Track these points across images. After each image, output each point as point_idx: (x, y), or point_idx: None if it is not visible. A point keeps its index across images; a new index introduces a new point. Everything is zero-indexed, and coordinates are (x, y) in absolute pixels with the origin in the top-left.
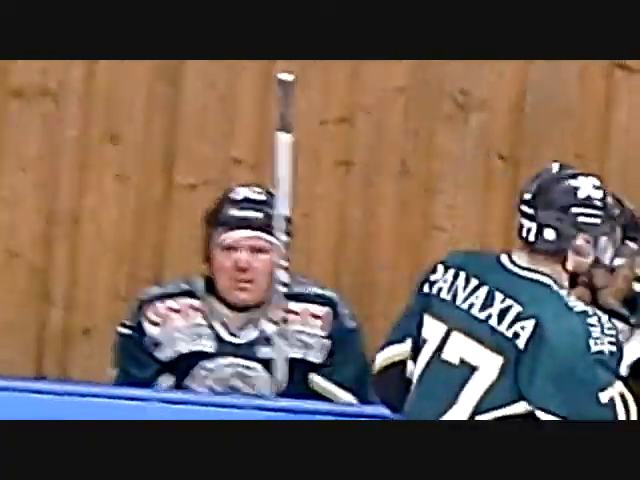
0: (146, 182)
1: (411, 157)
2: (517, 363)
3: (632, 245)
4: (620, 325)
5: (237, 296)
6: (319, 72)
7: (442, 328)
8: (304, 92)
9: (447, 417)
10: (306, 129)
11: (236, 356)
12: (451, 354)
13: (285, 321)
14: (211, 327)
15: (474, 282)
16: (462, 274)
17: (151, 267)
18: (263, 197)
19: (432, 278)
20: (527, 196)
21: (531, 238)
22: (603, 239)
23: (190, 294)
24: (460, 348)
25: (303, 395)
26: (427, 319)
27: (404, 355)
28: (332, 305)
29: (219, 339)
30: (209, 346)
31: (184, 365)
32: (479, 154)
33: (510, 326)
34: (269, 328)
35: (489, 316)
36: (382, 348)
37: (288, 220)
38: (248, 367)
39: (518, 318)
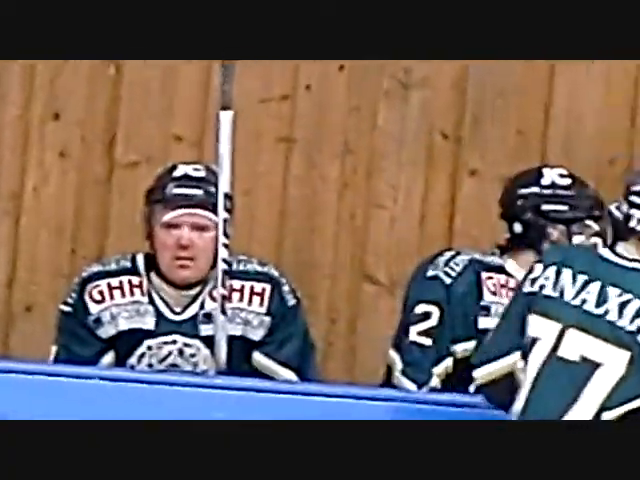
0: (87, 160)
1: (353, 135)
2: None
3: (594, 225)
4: None
5: (178, 274)
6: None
7: (555, 326)
8: (246, 69)
9: (571, 414)
10: (248, 106)
11: (177, 334)
12: (569, 352)
13: (226, 298)
14: (152, 304)
15: (582, 278)
16: (566, 270)
17: (92, 244)
18: (203, 174)
19: (532, 277)
20: (638, 187)
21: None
22: None
23: (131, 271)
24: (579, 345)
25: (243, 373)
26: (534, 318)
27: (512, 367)
28: (273, 282)
29: (160, 316)
30: (150, 324)
31: (125, 343)
32: (421, 132)
33: (632, 320)
34: (210, 306)
35: (607, 311)
36: (488, 361)
37: (229, 197)
38: (189, 345)
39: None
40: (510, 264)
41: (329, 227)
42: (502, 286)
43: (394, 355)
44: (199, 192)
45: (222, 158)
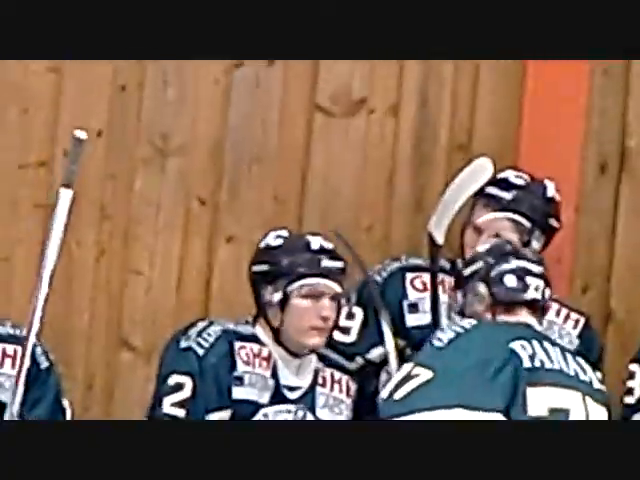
0: None
1: (110, 201)
2: None
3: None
4: None
5: None
6: (18, 113)
7: (577, 395)
8: (2, 135)
9: None
10: (5, 173)
11: None
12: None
13: None
14: None
15: (557, 349)
16: (546, 343)
17: None
18: None
19: (529, 353)
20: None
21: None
22: None
23: None
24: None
25: None
26: (551, 390)
27: None
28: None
29: None
30: None
31: None
32: (179, 198)
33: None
34: None
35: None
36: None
37: None
38: None
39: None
40: (261, 332)
41: (86, 293)
42: (255, 355)
43: None
44: None
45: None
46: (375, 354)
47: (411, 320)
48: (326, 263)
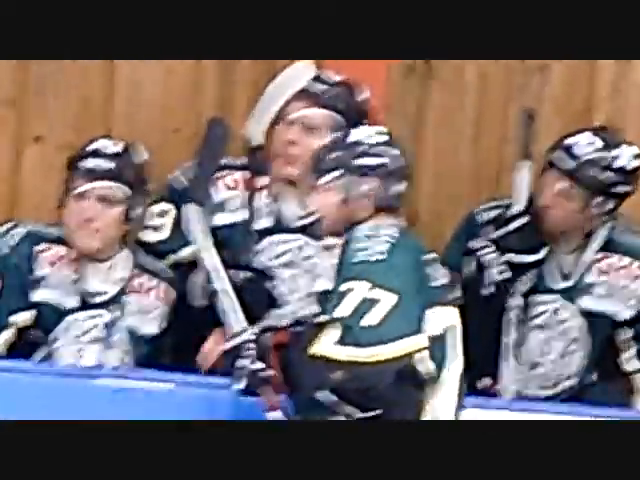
0: None
1: None
2: None
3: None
4: None
5: None
6: None
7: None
8: None
9: None
10: None
11: None
12: None
13: None
14: None
15: None
16: None
17: None
18: None
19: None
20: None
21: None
22: None
23: None
24: None
25: None
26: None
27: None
28: None
29: None
30: None
31: None
32: None
33: None
34: None
35: None
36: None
37: None
38: None
39: None
40: None
41: None
42: (59, 258)
43: None
44: None
45: None
46: (185, 253)
47: (219, 219)
48: (87, 163)
